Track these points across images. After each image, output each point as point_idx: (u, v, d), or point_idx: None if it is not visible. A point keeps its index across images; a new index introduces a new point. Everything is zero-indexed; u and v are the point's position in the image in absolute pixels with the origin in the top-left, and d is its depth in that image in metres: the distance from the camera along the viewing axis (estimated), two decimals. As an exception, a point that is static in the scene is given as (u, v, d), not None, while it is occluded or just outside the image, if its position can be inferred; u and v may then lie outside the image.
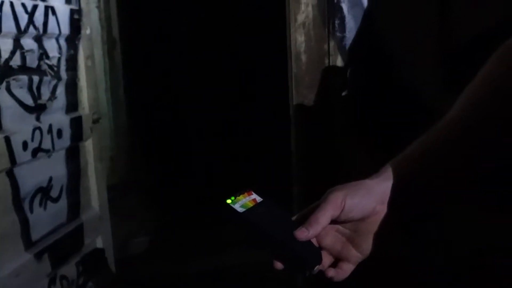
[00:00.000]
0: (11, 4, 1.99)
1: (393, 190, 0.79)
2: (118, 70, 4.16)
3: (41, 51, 2.21)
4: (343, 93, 2.03)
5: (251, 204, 0.84)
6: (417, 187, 0.79)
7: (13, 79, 2.03)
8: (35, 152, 2.13)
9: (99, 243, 2.67)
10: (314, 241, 0.81)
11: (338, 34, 2.07)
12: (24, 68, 2.10)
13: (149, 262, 3.48)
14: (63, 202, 2.37)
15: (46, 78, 2.25)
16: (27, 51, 2.11)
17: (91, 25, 2.66)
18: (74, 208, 2.46)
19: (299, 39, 2.10)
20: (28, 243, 2.11)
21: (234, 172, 4.34)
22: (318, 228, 0.78)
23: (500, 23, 1.03)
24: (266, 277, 2.71)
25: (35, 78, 2.18)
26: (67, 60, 2.42)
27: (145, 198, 4.20)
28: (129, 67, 4.27)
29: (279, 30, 2.30)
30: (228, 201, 0.84)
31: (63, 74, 2.39)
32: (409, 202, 0.80)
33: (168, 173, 4.72)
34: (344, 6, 2.05)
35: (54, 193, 2.30)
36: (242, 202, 0.84)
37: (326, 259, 0.82)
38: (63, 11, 2.35)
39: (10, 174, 2.00)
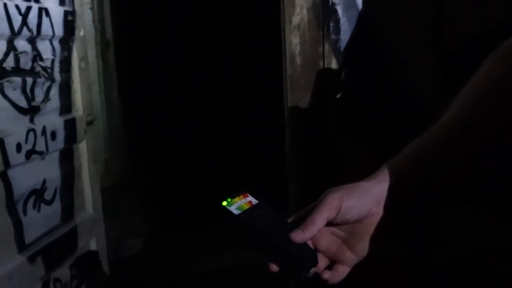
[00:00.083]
0: (5, 6, 1.99)
1: (390, 192, 0.79)
2: (112, 72, 4.15)
3: (34, 52, 2.20)
4: (338, 95, 2.03)
5: (247, 206, 0.84)
6: (416, 187, 0.79)
7: (7, 81, 2.02)
8: (28, 154, 2.12)
9: (93, 246, 2.66)
10: (309, 243, 0.81)
11: (333, 36, 2.08)
12: (17, 70, 2.09)
13: (144, 264, 3.47)
14: (57, 205, 2.37)
15: (40, 80, 2.24)
16: (21, 52, 2.10)
17: (85, 27, 2.65)
18: (68, 210, 2.46)
19: (294, 41, 2.10)
20: (22, 245, 2.10)
21: (229, 174, 4.34)
22: (314, 230, 0.78)
23: (496, 24, 1.04)
24: (264, 278, 2.70)
25: (29, 80, 2.17)
26: (60, 62, 2.41)
27: (139, 200, 4.19)
28: (122, 69, 4.26)
29: (274, 32, 2.30)
30: (224, 203, 0.83)
31: (57, 75, 2.38)
32: (406, 203, 0.80)
33: (163, 174, 4.71)
34: (339, 9, 2.05)
35: (48, 195, 2.29)
36: (238, 204, 0.84)
37: (322, 261, 0.82)
38: (56, 12, 2.35)
39: (4, 176, 1.99)
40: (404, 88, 1.48)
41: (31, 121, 2.19)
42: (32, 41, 2.18)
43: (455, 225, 0.96)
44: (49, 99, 2.31)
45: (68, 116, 2.46)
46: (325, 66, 2.09)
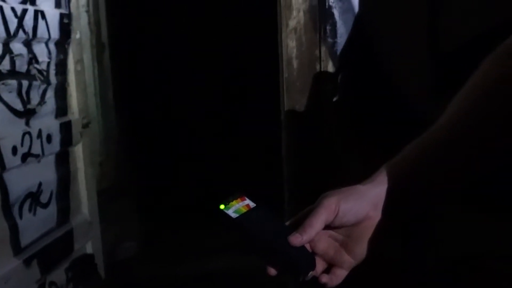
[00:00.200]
0: (0, 8, 1.98)
1: (388, 194, 0.79)
2: (107, 74, 4.15)
3: (30, 55, 2.20)
4: (335, 98, 2.04)
5: (244, 210, 0.84)
6: (415, 188, 0.79)
7: (2, 84, 2.02)
8: (24, 157, 2.12)
9: (88, 249, 2.65)
10: (307, 246, 0.81)
11: (329, 39, 2.08)
12: (13, 73, 2.09)
13: (140, 267, 3.47)
14: (53, 208, 2.36)
15: (36, 83, 2.24)
16: (17, 55, 2.10)
17: (80, 30, 2.65)
18: (64, 213, 2.45)
19: (290, 45, 2.11)
20: (17, 249, 2.09)
21: (225, 176, 4.34)
22: (312, 233, 0.78)
23: (491, 29, 1.04)
24: (261, 281, 2.70)
25: (25, 83, 2.16)
26: (56, 65, 2.41)
27: (135, 203, 4.18)
28: (118, 71, 4.26)
29: (270, 35, 2.31)
30: (221, 206, 0.83)
31: (53, 78, 2.38)
32: (405, 205, 0.80)
33: (159, 177, 4.71)
34: (336, 12, 2.05)
35: (43, 198, 2.28)
36: (235, 208, 0.84)
37: (320, 265, 0.82)
38: (52, 15, 2.34)
39: (-1, 179, 1.99)
40: (401, 91, 1.48)
41: (27, 124, 2.18)
42: (28, 43, 2.18)
43: (455, 226, 0.97)
44: (44, 102, 2.31)
45: (64, 119, 2.46)
46: (322, 69, 2.09)
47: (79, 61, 2.59)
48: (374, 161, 0.87)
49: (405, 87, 1.47)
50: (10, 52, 2.06)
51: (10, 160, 2.02)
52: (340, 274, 0.82)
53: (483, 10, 1.10)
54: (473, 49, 1.01)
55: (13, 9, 2.06)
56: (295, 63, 2.12)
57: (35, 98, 2.24)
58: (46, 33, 2.29)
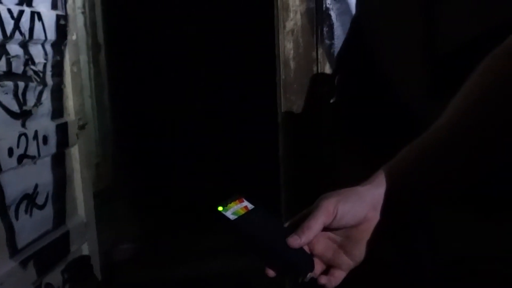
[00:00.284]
0: (-3, 10, 1.98)
1: (386, 195, 0.79)
2: (103, 76, 4.14)
3: (27, 56, 2.19)
4: (332, 100, 2.04)
5: (242, 211, 0.84)
6: (414, 189, 0.79)
7: (-1, 85, 2.01)
8: (20, 159, 2.11)
9: (85, 250, 2.64)
10: (306, 248, 0.81)
11: (326, 41, 2.09)
12: (9, 74, 2.08)
13: (136, 269, 3.46)
14: (49, 209, 2.35)
15: (32, 84, 2.23)
16: (13, 56, 2.09)
17: (77, 31, 2.64)
18: (60, 215, 2.44)
19: (287, 46, 2.11)
20: (13, 250, 2.08)
21: (221, 178, 4.34)
22: (311, 235, 0.78)
23: (486, 32, 1.05)
24: (256, 283, 2.71)
25: (21, 84, 2.16)
26: (53, 66, 2.40)
27: (131, 204, 4.18)
28: (113, 73, 4.25)
29: (267, 37, 2.31)
30: (220, 208, 0.83)
31: (49, 80, 2.37)
32: (403, 206, 0.80)
33: (155, 179, 4.70)
34: (333, 14, 2.06)
35: (39, 200, 2.28)
36: (233, 209, 0.84)
37: (318, 266, 0.82)
38: (49, 16, 2.34)
39: (-5, 181, 1.98)
40: (398, 92, 1.49)
41: (23, 125, 2.18)
42: (24, 45, 2.17)
43: (453, 227, 0.97)
44: (41, 103, 2.30)
45: (60, 121, 2.45)
46: (319, 71, 2.10)
47: (75, 63, 2.58)
48: (371, 162, 0.87)
49: (402, 88, 1.48)
50: (7, 53, 2.06)
51: (6, 162, 2.02)
52: (339, 275, 0.82)
53: (481, 11, 1.11)
54: (471, 50, 1.02)
55: (9, 10, 2.05)
56: (292, 65, 2.12)
57: (31, 100, 2.23)
58: (43, 34, 2.29)
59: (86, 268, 2.65)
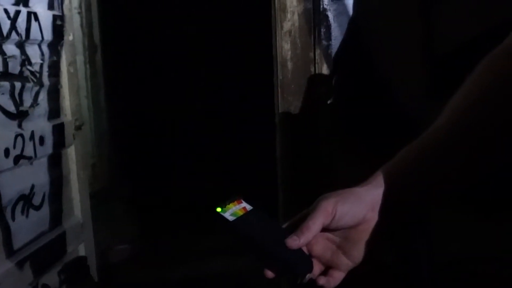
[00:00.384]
0: (-6, 10, 1.98)
1: (385, 196, 0.79)
2: (99, 76, 4.14)
3: (23, 57, 2.19)
4: (329, 101, 2.04)
5: (241, 213, 0.84)
6: (412, 191, 0.79)
7: (-5, 85, 2.01)
8: (17, 159, 2.10)
9: (81, 251, 2.64)
10: (304, 249, 0.81)
11: (324, 42, 2.09)
12: (6, 74, 2.08)
13: (132, 270, 3.45)
14: (45, 210, 2.35)
15: (28, 85, 2.23)
16: (9, 57, 2.09)
17: (73, 31, 2.64)
18: (56, 216, 2.44)
19: (285, 47, 2.11)
20: (10, 251, 2.08)
21: (219, 179, 4.33)
22: (309, 236, 0.78)
23: (485, 32, 1.05)
24: (251, 285, 2.70)
25: (17, 85, 2.15)
26: (49, 66, 2.40)
27: (128, 205, 4.17)
28: (110, 73, 4.25)
29: (265, 38, 2.31)
30: (218, 209, 0.83)
31: (46, 80, 2.37)
32: (402, 207, 0.80)
33: (151, 179, 4.69)
34: (330, 15, 2.06)
35: (36, 200, 2.27)
36: (232, 211, 0.84)
37: (317, 267, 0.82)
38: (45, 17, 2.33)
39: (-8, 181, 1.98)
40: (396, 93, 1.49)
41: (20, 126, 2.17)
42: (20, 45, 2.17)
43: (452, 229, 0.97)
44: (37, 104, 2.30)
45: (57, 121, 2.45)
46: (316, 72, 2.10)
47: (72, 63, 2.58)
48: (369, 162, 0.87)
49: (401, 88, 1.48)
50: (3, 53, 2.05)
51: (3, 162, 2.01)
52: (337, 276, 0.82)
53: (480, 11, 1.11)
54: (469, 50, 1.02)
55: (6, 10, 2.05)
56: (289, 66, 2.12)
57: (27, 100, 2.23)
58: (39, 34, 2.28)
59: (82, 269, 2.64)
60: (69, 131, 2.52)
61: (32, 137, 2.22)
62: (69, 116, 2.56)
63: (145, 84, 4.84)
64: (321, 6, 2.07)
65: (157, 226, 4.10)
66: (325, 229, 0.80)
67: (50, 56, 2.40)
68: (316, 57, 2.09)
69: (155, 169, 4.80)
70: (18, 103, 2.16)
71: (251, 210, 0.85)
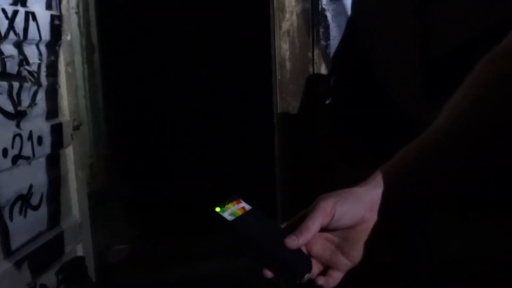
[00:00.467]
0: (-9, 10, 1.97)
1: (384, 196, 0.79)
2: (97, 76, 4.14)
3: (21, 57, 2.18)
4: (328, 101, 2.04)
5: (240, 213, 0.84)
6: (411, 192, 0.79)
7: (-7, 85, 2.00)
8: (15, 159, 2.10)
9: (79, 251, 2.64)
10: (303, 249, 0.81)
11: (322, 42, 2.09)
12: (4, 74, 2.07)
13: (130, 270, 3.45)
14: (43, 210, 2.34)
15: (26, 85, 2.23)
16: (7, 57, 2.08)
17: (71, 31, 2.63)
18: (54, 216, 2.43)
19: (283, 47, 2.11)
20: (8, 251, 2.07)
21: (217, 179, 4.33)
22: (308, 236, 0.78)
23: (483, 32, 1.05)
24: (251, 285, 2.70)
25: (15, 85, 2.15)
26: (47, 66, 2.39)
27: (126, 205, 4.17)
28: (108, 73, 4.25)
29: (264, 38, 2.31)
30: (217, 209, 0.83)
31: (44, 80, 2.36)
32: (401, 207, 0.80)
33: (150, 179, 4.69)
34: (329, 15, 2.06)
35: (34, 200, 2.27)
36: (231, 210, 0.83)
37: (315, 267, 0.82)
38: (43, 17, 2.33)
39: (-10, 181, 1.97)
40: (394, 93, 1.49)
41: (18, 126, 2.17)
42: (18, 45, 2.16)
43: (451, 229, 0.97)
44: (35, 104, 2.29)
45: (55, 121, 2.45)
46: (315, 72, 2.10)
47: (70, 63, 2.58)
48: (367, 163, 0.87)
49: (399, 89, 1.48)
50: (1, 53, 2.05)
51: (1, 162, 2.01)
52: (336, 276, 0.82)
53: (477, 11, 1.11)
54: (467, 50, 1.02)
55: (3, 10, 2.04)
56: (288, 66, 2.12)
57: (25, 100, 2.22)
58: (37, 34, 2.28)
59: (80, 269, 2.64)
60: (67, 131, 2.52)
61: (30, 137, 2.21)
62: (67, 116, 2.56)
63: (143, 84, 4.84)
64: (320, 6, 2.07)
65: (156, 226, 4.10)
66: (324, 229, 0.80)
67: (48, 56, 2.40)
68: (315, 57, 2.09)
69: (153, 169, 4.80)
70: (16, 103, 2.16)
71: (250, 210, 0.84)
